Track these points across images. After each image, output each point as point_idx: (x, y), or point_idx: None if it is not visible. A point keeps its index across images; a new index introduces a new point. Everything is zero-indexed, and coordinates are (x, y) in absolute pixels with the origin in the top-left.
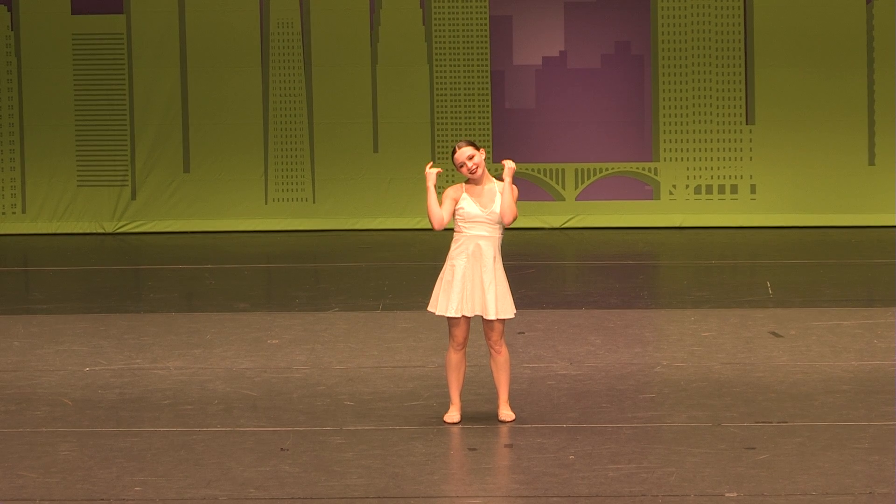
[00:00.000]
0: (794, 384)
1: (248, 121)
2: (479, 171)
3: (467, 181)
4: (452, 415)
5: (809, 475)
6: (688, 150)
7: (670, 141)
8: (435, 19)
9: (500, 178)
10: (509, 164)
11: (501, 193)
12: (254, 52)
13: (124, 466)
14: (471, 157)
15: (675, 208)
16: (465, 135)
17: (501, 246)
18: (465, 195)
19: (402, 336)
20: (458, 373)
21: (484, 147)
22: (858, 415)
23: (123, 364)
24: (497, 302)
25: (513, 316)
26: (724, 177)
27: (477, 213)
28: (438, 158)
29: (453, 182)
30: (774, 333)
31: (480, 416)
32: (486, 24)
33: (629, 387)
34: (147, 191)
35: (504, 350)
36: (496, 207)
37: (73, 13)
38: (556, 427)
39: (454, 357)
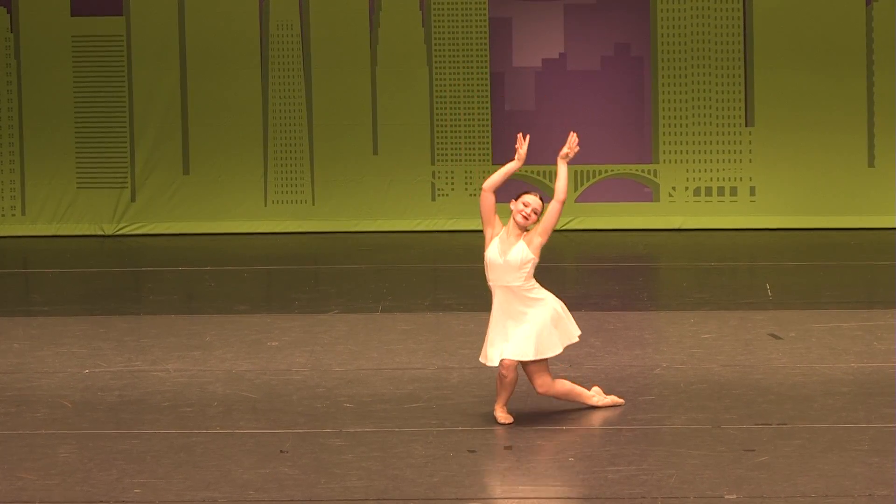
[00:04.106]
0: (794, 386)
1: (247, 123)
2: (528, 223)
3: (510, 225)
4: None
5: (809, 477)
6: (687, 151)
7: (670, 143)
8: (434, 21)
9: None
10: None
11: (528, 242)
12: (253, 54)
13: (124, 468)
14: (535, 211)
15: (674, 210)
16: (465, 136)
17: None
18: (497, 239)
19: (402, 338)
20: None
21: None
22: (858, 417)
23: (123, 366)
24: (513, 343)
25: (523, 359)
26: (724, 179)
27: (496, 260)
28: (438, 161)
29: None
30: (774, 335)
31: (480, 418)
32: (485, 26)
33: (629, 389)
34: (147, 193)
35: (540, 389)
36: (514, 254)
37: (72, 15)
38: (555, 429)
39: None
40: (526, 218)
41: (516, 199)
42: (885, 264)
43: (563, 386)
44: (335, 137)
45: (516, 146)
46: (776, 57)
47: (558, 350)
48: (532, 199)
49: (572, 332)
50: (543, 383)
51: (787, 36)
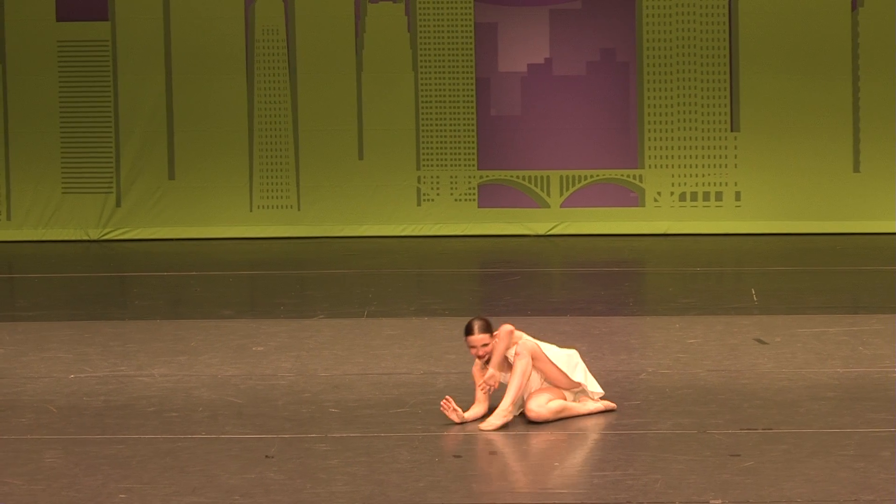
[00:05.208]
0: (780, 391)
1: (233, 128)
2: (485, 359)
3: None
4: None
5: (795, 482)
6: (673, 157)
7: (655, 148)
8: (420, 26)
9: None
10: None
11: (515, 370)
12: (239, 59)
13: (109, 474)
14: (483, 343)
15: (660, 215)
16: (451, 142)
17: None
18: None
19: (388, 343)
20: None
21: (495, 332)
22: (844, 422)
23: (109, 371)
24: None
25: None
26: (709, 184)
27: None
28: (423, 166)
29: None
30: (760, 340)
31: (465, 424)
32: (471, 31)
33: (614, 394)
34: (132, 198)
35: (532, 413)
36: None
37: (57, 20)
38: (540, 434)
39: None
40: (481, 357)
41: (468, 339)
42: (870, 269)
43: (555, 405)
44: (320, 142)
45: (447, 411)
46: (761, 62)
47: (571, 377)
48: (474, 340)
49: (584, 386)
50: (539, 405)
51: (773, 41)
